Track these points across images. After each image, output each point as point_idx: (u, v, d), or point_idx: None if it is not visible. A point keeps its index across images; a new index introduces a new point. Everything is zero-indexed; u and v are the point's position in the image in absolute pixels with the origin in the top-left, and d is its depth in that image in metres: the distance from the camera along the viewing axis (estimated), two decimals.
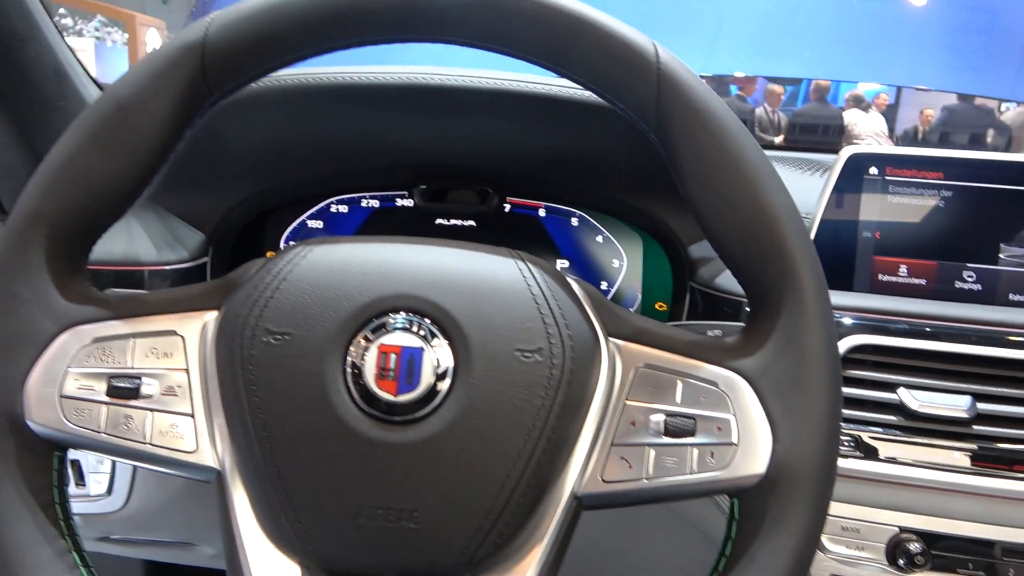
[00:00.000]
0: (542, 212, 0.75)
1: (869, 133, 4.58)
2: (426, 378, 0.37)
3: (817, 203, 0.67)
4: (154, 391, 0.40)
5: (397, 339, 0.38)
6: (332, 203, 0.75)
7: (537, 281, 0.41)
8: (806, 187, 0.78)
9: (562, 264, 0.75)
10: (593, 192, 0.72)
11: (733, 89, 4.47)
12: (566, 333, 0.40)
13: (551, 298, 0.41)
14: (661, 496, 0.41)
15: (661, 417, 0.41)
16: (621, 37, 0.41)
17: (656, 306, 0.76)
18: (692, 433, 0.40)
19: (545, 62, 0.43)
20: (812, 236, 0.66)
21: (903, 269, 0.66)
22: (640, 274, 0.75)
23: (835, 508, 0.59)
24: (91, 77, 0.77)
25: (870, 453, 0.57)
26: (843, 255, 0.66)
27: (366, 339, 0.38)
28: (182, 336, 0.41)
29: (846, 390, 0.58)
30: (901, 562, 0.57)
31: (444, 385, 0.38)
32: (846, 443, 0.58)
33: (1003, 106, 3.25)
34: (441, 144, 0.70)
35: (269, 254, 0.44)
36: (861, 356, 0.59)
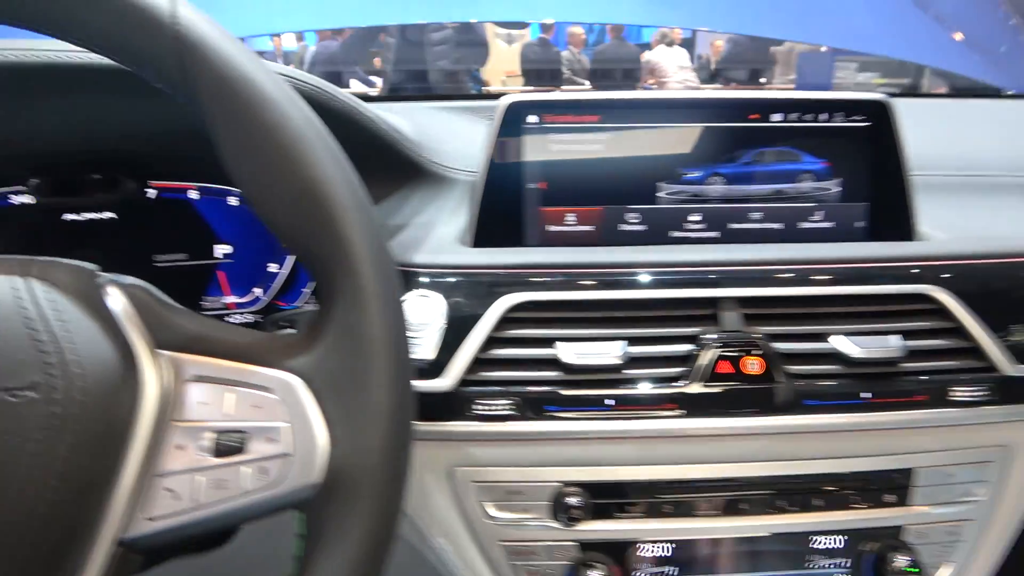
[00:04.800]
0: (194, 194, 0.68)
1: (675, 68, 4.81)
2: None
3: (481, 156, 0.65)
4: None
5: None
6: None
7: (38, 302, 0.35)
8: None
9: (224, 250, 0.69)
10: None
11: (535, 31, 4.51)
12: (72, 359, 0.34)
13: (55, 320, 0.35)
14: (215, 524, 0.37)
15: (212, 435, 0.37)
16: None
17: None
18: (243, 449, 0.37)
19: (53, 31, 0.37)
20: (480, 192, 0.64)
21: (570, 217, 0.66)
22: None
23: (498, 473, 0.60)
24: None
25: (530, 413, 0.58)
26: (512, 209, 0.66)
27: None
28: None
29: (506, 351, 0.58)
30: (563, 516, 0.58)
31: None
32: (507, 406, 0.57)
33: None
34: (46, 128, 0.61)
35: None
36: (521, 314, 0.59)
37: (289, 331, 0.57)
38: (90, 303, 0.37)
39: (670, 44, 4.97)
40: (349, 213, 0.38)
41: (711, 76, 4.80)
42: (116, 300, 0.38)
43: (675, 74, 4.85)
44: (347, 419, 0.37)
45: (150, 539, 0.36)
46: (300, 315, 0.63)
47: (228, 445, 0.37)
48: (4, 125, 0.59)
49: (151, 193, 0.67)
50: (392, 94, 2.06)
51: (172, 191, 0.67)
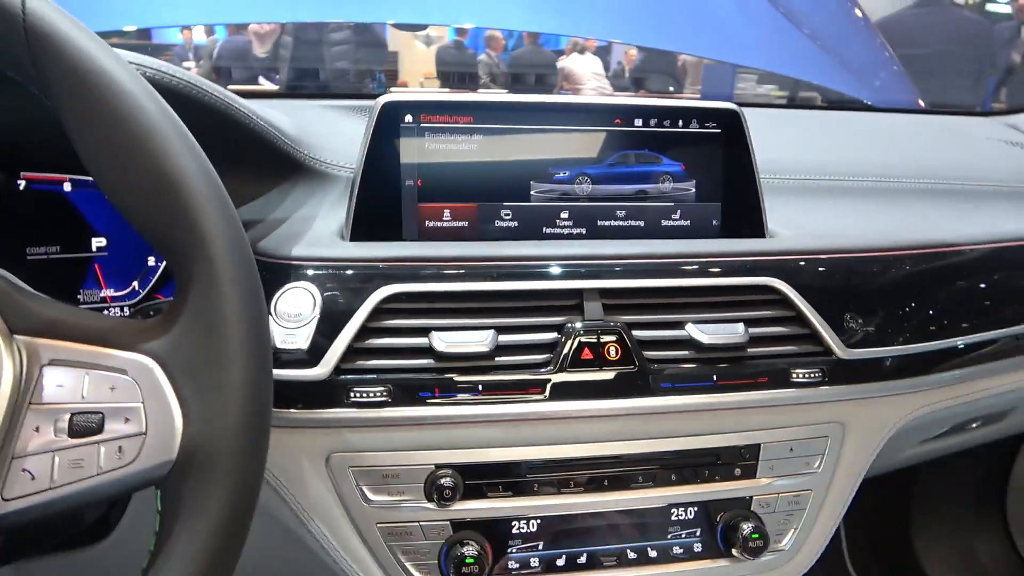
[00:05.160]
0: (68, 186, 0.68)
1: (589, 74, 4.93)
2: None
3: (359, 154, 0.67)
4: None
5: None
6: None
7: None
8: None
9: (100, 243, 0.69)
10: None
11: (452, 34, 4.54)
12: None
13: None
14: (72, 503, 0.39)
15: (68, 417, 0.38)
16: None
17: None
18: (99, 430, 0.39)
19: None
20: (356, 188, 0.67)
21: (447, 213, 0.70)
22: None
23: (375, 458, 0.62)
24: None
25: (405, 399, 0.61)
26: (389, 205, 0.68)
27: None
28: None
29: (381, 341, 0.61)
30: (437, 497, 0.61)
31: None
32: (382, 393, 0.60)
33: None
34: None
35: None
36: (396, 305, 0.62)
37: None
38: None
39: (582, 51, 5.10)
40: (203, 201, 0.40)
41: (625, 84, 4.95)
42: None
43: (590, 81, 4.98)
44: (201, 397, 0.39)
45: (8, 519, 0.38)
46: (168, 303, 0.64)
47: (85, 426, 0.39)
48: None
49: (22, 184, 0.66)
50: (289, 91, 2.05)
51: (45, 183, 0.67)
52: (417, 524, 0.63)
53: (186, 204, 0.40)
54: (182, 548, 0.38)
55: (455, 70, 4.19)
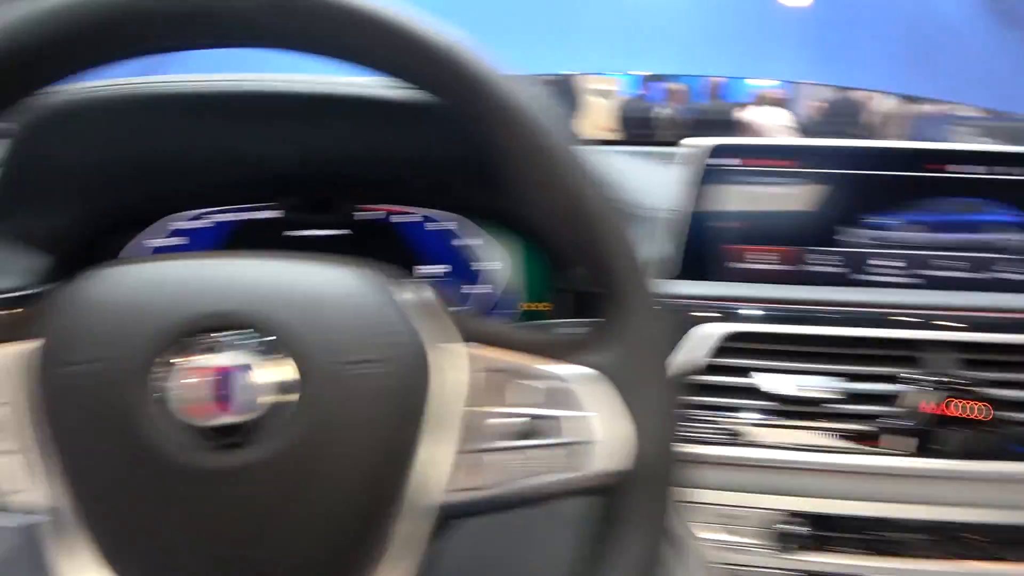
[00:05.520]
0: (397, 218, 0.75)
1: (775, 127, 4.81)
2: (241, 400, 0.36)
3: (679, 196, 0.69)
4: None
5: (210, 359, 0.36)
6: (169, 221, 0.72)
7: (369, 290, 0.41)
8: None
9: (424, 271, 0.75)
10: (460, 196, 0.72)
11: (632, 86, 4.60)
12: (398, 342, 0.40)
13: (387, 307, 0.40)
14: (521, 500, 0.41)
15: (515, 420, 0.41)
16: (411, 32, 0.41)
17: (541, 306, 0.78)
18: (545, 433, 0.41)
19: (348, 60, 0.43)
20: (683, 228, 0.69)
21: (765, 256, 0.69)
22: (523, 275, 0.76)
23: (713, 496, 0.62)
24: None
25: (746, 439, 0.60)
26: (707, 245, 0.70)
27: (174, 361, 0.36)
28: (4, 367, 0.38)
29: (721, 378, 0.61)
30: (785, 545, 0.60)
31: (264, 405, 0.37)
32: (722, 432, 0.60)
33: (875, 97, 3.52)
34: (290, 152, 0.68)
35: None
36: (734, 344, 0.62)
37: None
38: (411, 295, 0.43)
39: (764, 103, 4.97)
40: (623, 232, 0.43)
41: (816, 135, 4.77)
42: (428, 295, 0.44)
43: (777, 134, 4.84)
44: (647, 414, 0.41)
45: (452, 509, 0.41)
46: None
47: (534, 430, 0.41)
48: (263, 148, 0.68)
49: (360, 216, 0.74)
50: None
51: (378, 214, 0.74)
52: (754, 569, 0.62)
53: (613, 235, 0.42)
54: (634, 557, 0.39)
55: (635, 118, 4.23)
